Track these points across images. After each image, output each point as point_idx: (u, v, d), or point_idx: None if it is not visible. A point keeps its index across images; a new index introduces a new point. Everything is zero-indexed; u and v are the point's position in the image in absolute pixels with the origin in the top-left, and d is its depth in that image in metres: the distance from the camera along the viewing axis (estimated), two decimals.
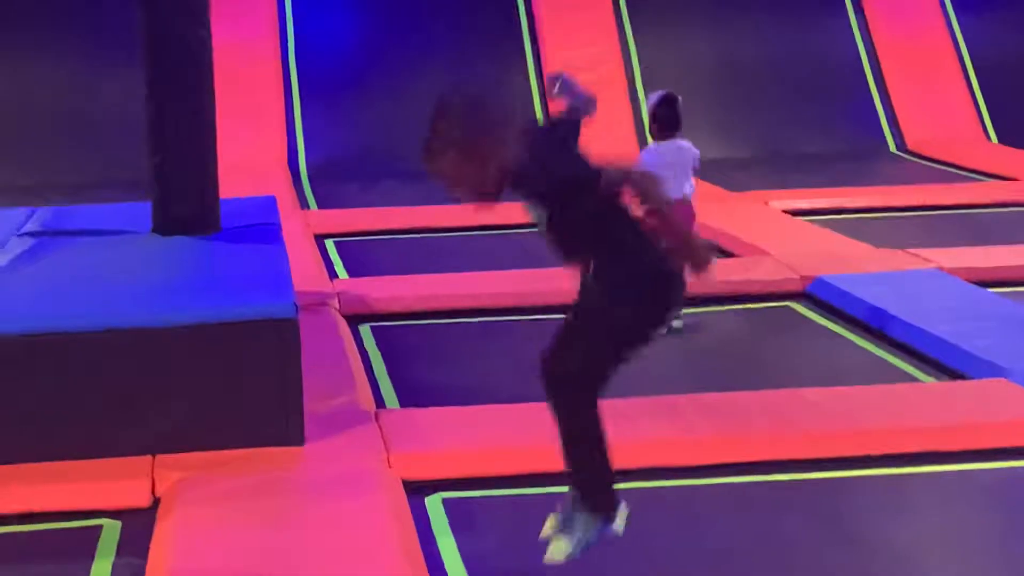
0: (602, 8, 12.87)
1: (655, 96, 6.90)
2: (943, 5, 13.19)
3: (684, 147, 6.80)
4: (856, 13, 13.08)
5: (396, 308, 7.05)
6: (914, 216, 9.48)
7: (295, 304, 4.92)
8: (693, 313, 6.74)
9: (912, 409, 5.20)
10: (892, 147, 12.35)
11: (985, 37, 13.05)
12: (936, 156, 11.82)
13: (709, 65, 12.85)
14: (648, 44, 12.82)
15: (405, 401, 5.77)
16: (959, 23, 13.11)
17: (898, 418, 5.11)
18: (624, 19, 12.91)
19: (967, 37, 13.05)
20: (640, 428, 5.01)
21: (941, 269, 7.33)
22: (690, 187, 6.73)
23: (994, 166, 11.05)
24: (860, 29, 13.01)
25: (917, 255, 7.62)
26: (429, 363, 6.36)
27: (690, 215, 6.61)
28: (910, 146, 12.26)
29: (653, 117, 6.85)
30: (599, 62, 12.54)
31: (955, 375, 5.79)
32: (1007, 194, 9.86)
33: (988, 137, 12.48)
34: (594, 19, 12.77)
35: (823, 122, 12.58)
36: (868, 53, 12.91)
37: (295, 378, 4.88)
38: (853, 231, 8.66)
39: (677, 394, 5.49)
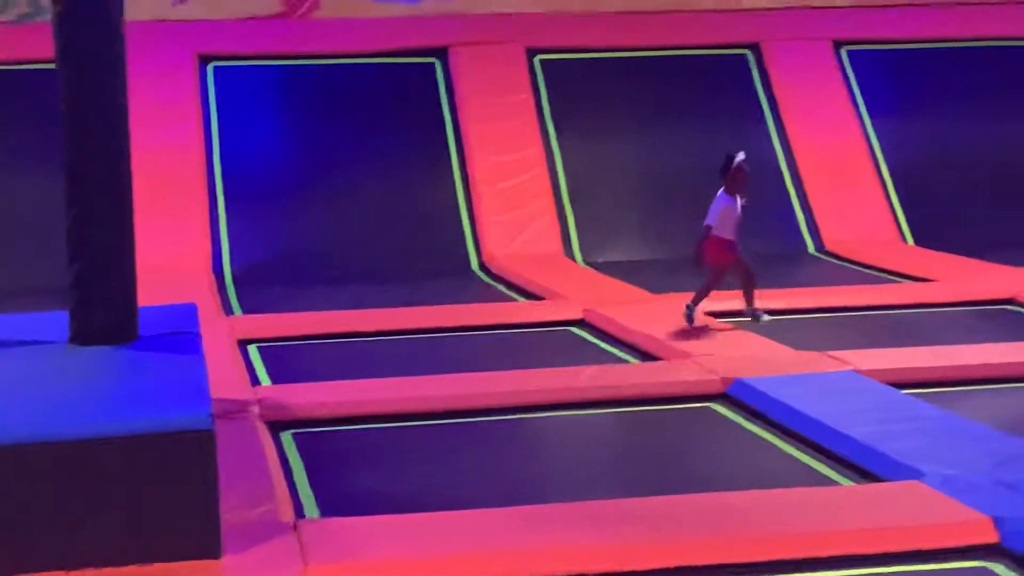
0: (526, 116, 13.02)
1: (741, 156, 8.73)
2: (858, 110, 13.50)
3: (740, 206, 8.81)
4: (774, 120, 13.34)
5: (320, 414, 7.02)
6: (832, 317, 9.61)
7: (211, 415, 4.89)
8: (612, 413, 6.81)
9: (831, 513, 5.25)
10: (811, 249, 12.55)
11: (898, 141, 13.36)
12: (854, 257, 12.02)
13: (635, 171, 13.03)
14: (573, 151, 12.98)
15: (327, 510, 5.72)
16: (874, 128, 13.42)
17: (818, 522, 5.15)
18: (549, 127, 13.07)
19: (882, 141, 13.34)
20: (565, 535, 5.01)
21: (858, 371, 7.44)
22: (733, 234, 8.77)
23: (910, 267, 11.25)
24: (778, 135, 13.27)
25: (834, 357, 7.73)
26: (353, 470, 6.32)
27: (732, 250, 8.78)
28: (828, 248, 12.47)
29: (734, 175, 8.72)
30: (524, 169, 12.68)
31: (872, 478, 5.85)
32: (923, 295, 10.05)
33: (904, 239, 12.72)
34: (519, 127, 12.92)
35: (746, 226, 12.72)
36: (786, 158, 13.15)
37: (211, 489, 4.83)
38: (773, 333, 8.77)
39: (601, 499, 5.50)
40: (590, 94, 13.30)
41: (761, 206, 12.87)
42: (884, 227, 12.80)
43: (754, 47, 13.73)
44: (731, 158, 8.73)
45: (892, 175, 13.17)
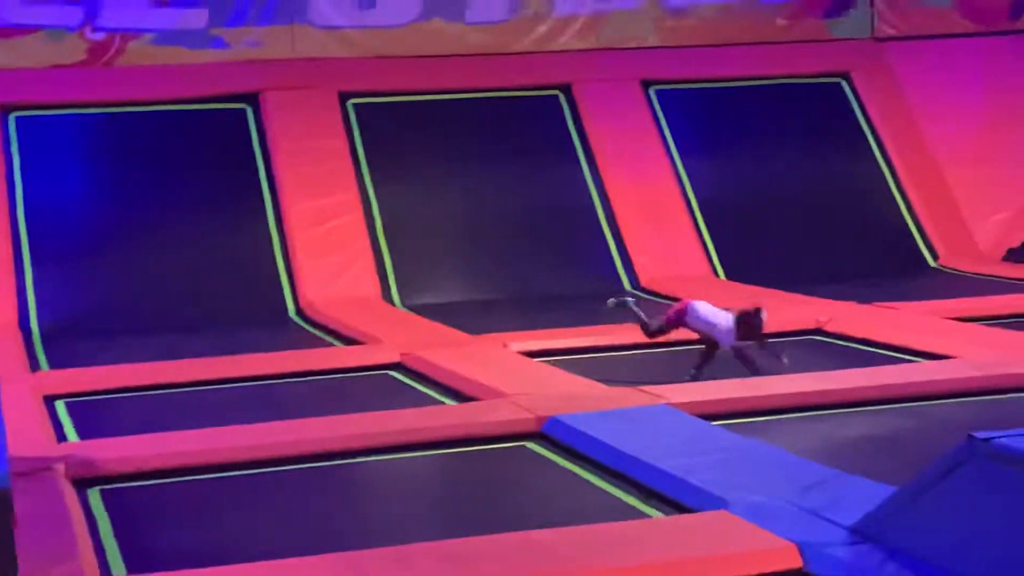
0: (340, 161, 12.97)
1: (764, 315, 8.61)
2: (668, 149, 13.78)
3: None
4: (587, 159, 13.54)
5: (128, 469, 6.84)
6: (646, 353, 9.75)
7: (7, 474, 4.74)
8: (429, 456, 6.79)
9: (640, 546, 5.30)
10: (627, 286, 12.73)
11: (707, 178, 13.68)
12: (668, 293, 12.20)
13: (451, 214, 13.09)
14: (389, 195, 12.98)
15: (133, 567, 5.58)
16: (683, 166, 13.71)
17: (627, 556, 5.20)
18: (364, 171, 13.05)
19: (691, 179, 13.64)
20: None
21: (670, 404, 7.56)
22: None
23: (722, 301, 11.44)
24: (592, 175, 13.46)
25: (647, 391, 7.84)
26: (164, 525, 6.18)
27: None
28: (644, 285, 12.67)
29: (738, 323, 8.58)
30: (340, 213, 12.63)
31: (681, 509, 5.93)
32: None
33: (716, 274, 13.00)
34: (333, 172, 12.86)
35: (562, 265, 12.93)
36: (600, 197, 13.35)
37: (8, 550, 4.68)
38: (588, 370, 8.87)
39: (417, 542, 5.47)
40: (404, 137, 13.33)
41: (576, 246, 13.12)
42: (697, 263, 13.08)
43: (565, 88, 13.93)
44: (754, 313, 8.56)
45: (703, 211, 13.47)
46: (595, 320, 10.84)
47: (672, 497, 6.06)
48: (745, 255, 13.09)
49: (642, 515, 6.01)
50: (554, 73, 13.99)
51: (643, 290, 12.60)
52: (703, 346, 8.74)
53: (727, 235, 13.30)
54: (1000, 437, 4.53)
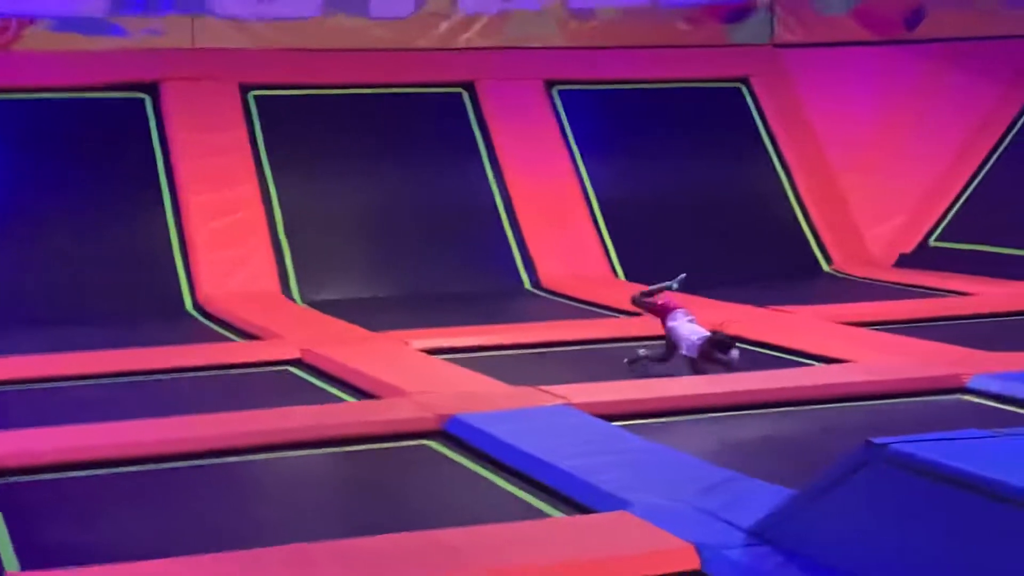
0: (240, 153, 12.84)
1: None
2: (570, 149, 13.85)
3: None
4: (489, 158, 13.56)
5: (20, 463, 6.71)
6: (547, 353, 9.80)
7: None
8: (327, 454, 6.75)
9: (539, 546, 5.31)
10: (527, 285, 12.78)
11: (608, 179, 13.77)
12: (568, 293, 12.30)
13: (353, 209, 13.02)
14: (290, 189, 12.87)
15: (28, 563, 5.48)
16: (585, 166, 13.79)
17: (527, 556, 5.21)
18: (264, 164, 12.93)
19: (592, 179, 13.72)
20: None
21: (570, 405, 7.59)
22: None
23: (621, 302, 11.55)
24: (494, 173, 13.48)
25: (548, 391, 7.87)
26: (57, 521, 6.07)
27: None
28: (544, 284, 12.72)
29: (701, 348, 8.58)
30: (239, 207, 12.50)
31: (582, 509, 5.96)
32: (633, 329, 10.33)
33: (616, 274, 13.09)
34: (232, 164, 12.73)
35: (464, 263, 12.94)
36: (502, 196, 13.37)
37: None
38: (490, 369, 8.87)
39: (315, 541, 5.44)
40: (307, 131, 13.23)
41: (478, 244, 13.13)
42: (597, 263, 13.16)
43: (469, 86, 13.93)
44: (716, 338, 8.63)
45: (603, 212, 13.56)
46: (496, 318, 10.89)
47: (573, 497, 6.08)
48: (644, 256, 13.19)
49: (542, 515, 6.03)
50: (458, 71, 13.99)
51: (543, 289, 12.66)
52: (663, 342, 8.89)
53: (627, 236, 13.40)
54: (897, 443, 4.61)
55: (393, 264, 12.72)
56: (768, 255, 13.60)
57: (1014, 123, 14.16)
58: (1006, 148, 14.06)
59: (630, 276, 12.97)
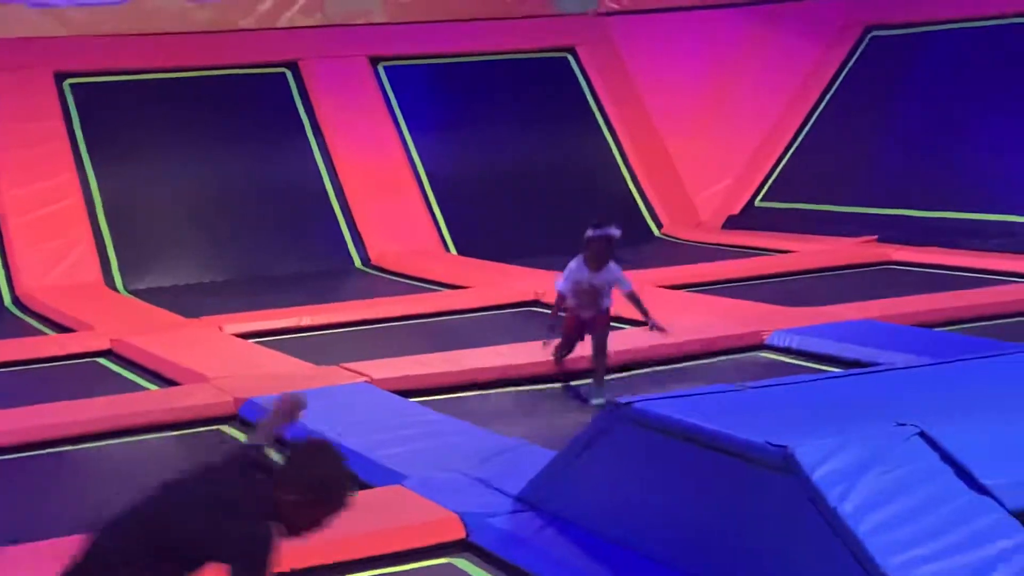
0: (57, 143, 12.57)
1: (614, 232, 7.84)
2: (397, 125, 13.79)
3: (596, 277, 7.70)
4: (316, 137, 13.45)
5: None
6: (368, 330, 9.78)
7: None
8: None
9: None
10: (358, 263, 12.73)
11: (437, 154, 13.75)
12: (399, 270, 12.27)
13: (178, 195, 12.83)
14: (111, 177, 12.64)
15: None
16: (414, 142, 13.74)
17: None
18: (83, 154, 12.68)
19: (422, 155, 13.69)
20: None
21: (372, 382, 7.58)
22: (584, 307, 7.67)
23: (450, 276, 11.59)
24: (321, 153, 13.39)
25: (351, 369, 7.85)
26: None
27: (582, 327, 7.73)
28: (374, 261, 12.69)
29: (587, 244, 7.72)
30: (58, 197, 12.26)
31: (362, 485, 5.96)
32: (458, 302, 10.36)
33: (447, 249, 13.10)
34: (49, 154, 12.47)
35: (292, 244, 12.84)
36: (330, 175, 13.29)
37: None
38: (300, 350, 8.82)
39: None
40: (126, 118, 13.00)
41: (307, 224, 13.03)
42: (428, 238, 13.15)
43: (292, 65, 13.80)
44: (597, 228, 7.73)
45: (432, 187, 13.54)
46: (323, 298, 10.83)
47: (355, 475, 6.07)
48: (474, 229, 13.22)
49: None
50: (281, 50, 13.85)
51: (373, 267, 12.62)
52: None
53: (457, 210, 13.41)
54: (640, 401, 4.68)
55: (219, 248, 12.58)
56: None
57: (832, 81, 14.41)
58: (825, 107, 14.31)
59: (461, 250, 12.99)
